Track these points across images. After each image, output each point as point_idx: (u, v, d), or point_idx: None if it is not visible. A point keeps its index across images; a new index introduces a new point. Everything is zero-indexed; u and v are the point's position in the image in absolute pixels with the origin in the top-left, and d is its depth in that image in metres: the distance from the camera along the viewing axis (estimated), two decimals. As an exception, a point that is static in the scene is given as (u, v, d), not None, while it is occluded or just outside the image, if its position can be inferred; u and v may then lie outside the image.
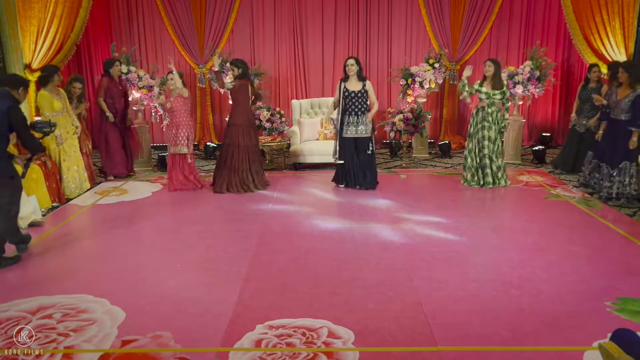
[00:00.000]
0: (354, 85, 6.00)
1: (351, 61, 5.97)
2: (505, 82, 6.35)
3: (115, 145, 6.78)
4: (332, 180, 6.43)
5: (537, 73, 7.42)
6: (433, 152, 8.46)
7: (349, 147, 6.09)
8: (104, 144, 6.78)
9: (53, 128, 4.37)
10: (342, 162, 6.13)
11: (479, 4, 8.30)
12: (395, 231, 4.77)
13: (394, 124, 7.26)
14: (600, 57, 7.37)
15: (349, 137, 6.07)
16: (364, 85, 6.02)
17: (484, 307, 3.33)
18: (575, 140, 6.87)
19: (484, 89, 6.11)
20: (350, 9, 8.62)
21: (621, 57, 7.19)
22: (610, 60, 7.11)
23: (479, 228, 4.85)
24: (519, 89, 7.42)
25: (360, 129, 6.03)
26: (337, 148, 6.11)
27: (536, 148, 7.78)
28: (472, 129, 6.27)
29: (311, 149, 7.26)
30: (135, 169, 7.19)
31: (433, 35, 8.46)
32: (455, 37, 8.45)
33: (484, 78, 6.17)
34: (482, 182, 6.24)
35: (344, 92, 5.99)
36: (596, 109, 6.42)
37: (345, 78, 6.03)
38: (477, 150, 6.23)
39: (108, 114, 6.59)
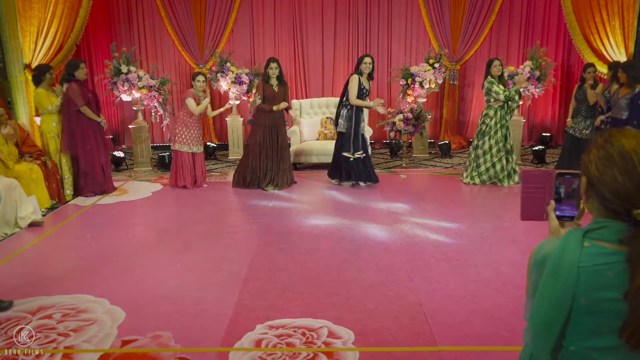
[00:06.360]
0: (365, 82, 6.10)
1: (368, 59, 6.04)
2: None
3: (99, 162, 6.03)
4: (330, 177, 6.45)
5: (537, 73, 7.42)
6: (433, 152, 8.46)
7: (363, 144, 6.23)
8: (83, 159, 5.91)
9: None
10: (362, 154, 6.20)
11: (479, 4, 8.30)
12: (395, 231, 4.77)
13: (394, 124, 7.26)
14: (600, 57, 7.37)
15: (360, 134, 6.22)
16: (370, 85, 6.17)
17: (484, 307, 3.33)
18: (572, 144, 6.82)
19: (501, 88, 6.12)
20: (350, 9, 8.62)
21: (621, 57, 7.19)
22: (611, 60, 7.11)
23: (479, 228, 4.85)
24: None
25: (362, 126, 6.23)
26: (353, 143, 6.15)
27: (536, 148, 7.78)
28: (488, 128, 6.23)
29: (311, 149, 7.26)
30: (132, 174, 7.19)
31: (433, 35, 8.46)
32: (455, 37, 8.45)
33: (492, 77, 6.16)
34: (498, 180, 6.29)
35: (361, 88, 6.04)
36: (593, 109, 6.42)
37: (359, 73, 6.07)
38: (495, 151, 6.23)
39: (100, 119, 5.97)
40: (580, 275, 1.13)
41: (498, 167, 6.26)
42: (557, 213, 1.37)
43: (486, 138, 6.25)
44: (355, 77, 6.03)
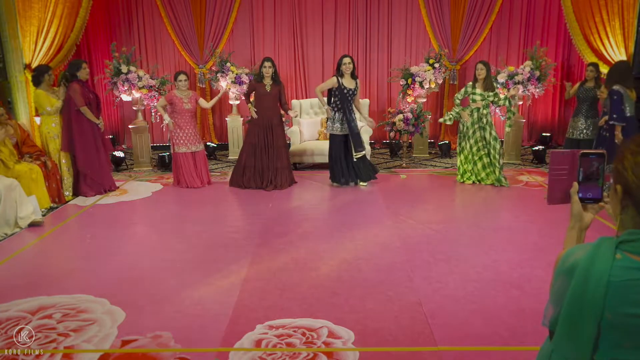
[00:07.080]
0: (348, 82, 6.07)
1: (348, 59, 6.04)
2: (496, 85, 6.41)
3: (97, 161, 6.05)
4: (330, 179, 6.45)
5: (537, 73, 7.42)
6: (433, 152, 8.47)
7: (340, 145, 6.18)
8: (82, 159, 5.95)
9: None
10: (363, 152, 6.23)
11: (479, 4, 8.30)
12: (395, 231, 4.77)
13: (394, 124, 7.26)
14: (600, 57, 7.36)
15: (342, 134, 6.15)
16: (356, 84, 6.14)
17: (484, 307, 3.33)
18: (572, 145, 6.79)
19: (478, 91, 6.14)
20: (350, 9, 8.62)
21: (621, 57, 7.18)
22: (612, 60, 7.10)
23: (479, 228, 4.85)
24: (519, 89, 7.43)
25: (353, 126, 6.14)
26: (360, 141, 6.19)
27: (536, 148, 7.78)
28: (466, 129, 6.28)
29: (311, 149, 7.26)
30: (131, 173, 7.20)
31: (433, 35, 8.45)
32: (455, 37, 8.45)
33: (475, 80, 6.20)
34: (481, 179, 6.34)
35: (342, 89, 6.02)
36: (594, 109, 6.42)
37: (340, 75, 6.07)
38: (475, 150, 6.27)
39: (99, 121, 6.00)
40: (609, 288, 1.08)
41: (479, 165, 6.33)
42: (580, 195, 1.30)
43: (465, 139, 6.32)
44: (333, 78, 6.09)
